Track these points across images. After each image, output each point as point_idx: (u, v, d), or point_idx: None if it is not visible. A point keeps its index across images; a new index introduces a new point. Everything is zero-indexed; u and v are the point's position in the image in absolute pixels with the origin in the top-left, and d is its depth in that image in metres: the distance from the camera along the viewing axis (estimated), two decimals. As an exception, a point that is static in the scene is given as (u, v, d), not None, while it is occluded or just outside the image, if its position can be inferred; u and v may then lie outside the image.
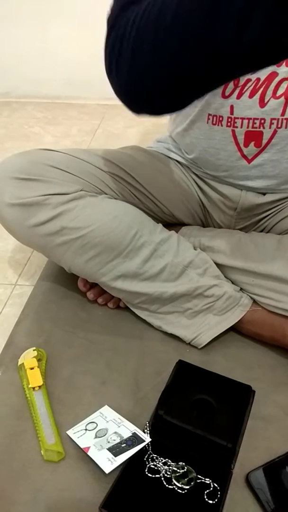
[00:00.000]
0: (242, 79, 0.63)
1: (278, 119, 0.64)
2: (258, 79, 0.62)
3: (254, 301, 0.70)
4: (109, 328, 0.75)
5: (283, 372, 0.67)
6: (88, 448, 0.55)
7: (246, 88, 0.63)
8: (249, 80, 0.62)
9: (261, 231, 0.79)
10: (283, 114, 0.63)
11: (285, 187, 0.73)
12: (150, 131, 1.50)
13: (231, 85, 0.63)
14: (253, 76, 0.62)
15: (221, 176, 0.75)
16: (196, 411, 0.58)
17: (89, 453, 0.55)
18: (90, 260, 0.68)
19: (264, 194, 0.75)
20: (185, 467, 0.53)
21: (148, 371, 0.67)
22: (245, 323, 0.70)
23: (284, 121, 0.64)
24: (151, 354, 0.70)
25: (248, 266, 0.69)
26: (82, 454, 0.56)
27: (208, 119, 0.68)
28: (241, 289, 0.72)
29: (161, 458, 0.54)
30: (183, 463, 0.54)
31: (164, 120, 0.80)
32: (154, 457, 0.55)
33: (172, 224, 0.83)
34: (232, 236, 0.75)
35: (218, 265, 0.73)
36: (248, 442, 0.57)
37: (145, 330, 0.74)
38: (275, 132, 0.65)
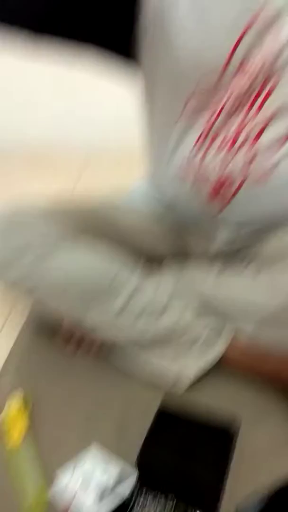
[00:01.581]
0: (211, 134, 0.66)
1: (245, 172, 0.67)
2: (226, 134, 0.65)
3: (236, 333, 0.70)
4: (91, 377, 0.74)
5: (265, 406, 0.67)
6: (70, 504, 0.54)
7: (215, 142, 0.66)
8: (217, 134, 0.66)
9: (242, 261, 0.80)
10: (249, 166, 0.66)
11: (254, 228, 0.76)
12: (134, 175, 1.54)
13: (201, 139, 0.67)
14: (221, 131, 0.65)
15: (195, 223, 0.78)
16: (178, 459, 0.57)
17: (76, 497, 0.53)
18: (70, 306, 0.69)
19: (237, 234, 0.77)
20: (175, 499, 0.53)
21: (132, 416, 0.66)
22: (228, 358, 0.70)
23: (250, 174, 0.67)
24: (135, 400, 0.69)
25: (229, 296, 0.70)
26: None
27: (180, 170, 0.72)
28: (222, 321, 0.71)
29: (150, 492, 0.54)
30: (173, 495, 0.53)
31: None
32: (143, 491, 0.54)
33: (155, 263, 0.85)
34: (211, 269, 0.77)
35: (199, 299, 0.73)
36: (236, 475, 0.56)
37: (127, 378, 0.73)
38: (241, 184, 0.68)
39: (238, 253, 0.80)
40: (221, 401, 0.67)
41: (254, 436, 0.62)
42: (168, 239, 0.84)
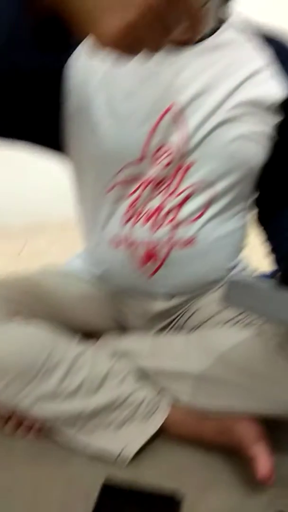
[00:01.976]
0: (137, 209, 0.72)
1: (170, 241, 0.72)
2: (150, 209, 0.71)
3: (175, 401, 0.71)
4: (31, 458, 0.71)
5: (211, 473, 0.66)
6: None
7: (140, 216, 0.72)
8: (142, 209, 0.72)
9: (175, 330, 0.84)
10: (173, 236, 0.72)
11: (186, 292, 0.80)
12: (74, 245, 1.58)
13: (128, 214, 0.73)
14: (145, 207, 0.71)
15: (129, 290, 0.80)
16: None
17: None
18: (6, 388, 0.66)
19: (171, 298, 0.81)
20: None
21: (76, 495, 0.64)
22: (169, 425, 0.70)
23: (175, 242, 0.72)
24: (79, 478, 0.67)
25: (161, 366, 0.72)
26: None
27: (111, 242, 0.76)
28: (161, 391, 0.73)
29: None
30: None
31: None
32: None
33: (91, 336, 0.85)
34: (146, 339, 0.78)
35: (136, 369, 0.74)
36: None
37: (70, 455, 0.70)
38: (168, 252, 0.73)
39: (171, 320, 0.83)
40: (166, 470, 0.67)
41: (200, 505, 0.62)
42: (104, 311, 0.86)
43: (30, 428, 0.75)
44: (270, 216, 0.81)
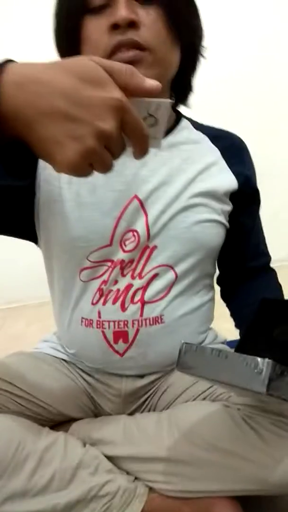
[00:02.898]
0: (106, 290, 0.75)
1: (138, 319, 0.75)
2: (118, 290, 0.75)
3: (150, 489, 0.69)
4: None
5: None
6: None
7: (109, 296, 0.75)
8: (111, 290, 0.75)
9: (149, 410, 0.83)
10: (141, 315, 0.75)
11: (157, 370, 0.81)
12: (51, 325, 1.58)
13: (97, 295, 0.76)
14: (114, 288, 0.75)
15: (101, 368, 0.81)
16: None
17: None
18: None
19: (142, 377, 0.81)
20: None
21: None
22: None
23: (144, 321, 0.75)
24: None
25: (134, 453, 0.70)
26: None
27: (82, 322, 0.78)
28: (136, 478, 0.71)
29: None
30: None
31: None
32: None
33: (63, 422, 0.83)
34: (118, 424, 0.77)
35: (109, 457, 0.72)
36: None
37: None
38: (137, 330, 0.75)
39: (144, 400, 0.83)
40: None
41: None
42: (76, 397, 0.84)
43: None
44: (231, 293, 0.86)
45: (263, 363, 0.44)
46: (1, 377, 0.79)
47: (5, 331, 1.59)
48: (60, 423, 0.83)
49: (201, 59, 0.78)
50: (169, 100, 0.45)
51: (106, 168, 0.44)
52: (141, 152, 0.46)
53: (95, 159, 0.42)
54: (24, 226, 0.79)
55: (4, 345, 1.47)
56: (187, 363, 0.51)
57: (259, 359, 0.45)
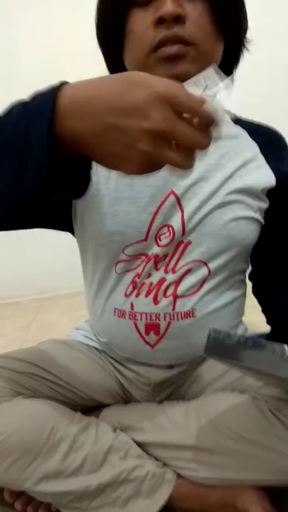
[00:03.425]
0: (139, 283, 0.77)
1: (170, 313, 0.76)
2: (151, 283, 0.76)
3: (178, 475, 0.71)
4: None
5: None
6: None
7: (142, 289, 0.77)
8: (144, 283, 0.76)
9: (177, 399, 0.85)
10: (173, 309, 0.76)
11: (187, 361, 0.82)
12: (82, 315, 1.62)
13: (130, 287, 0.77)
14: (147, 281, 0.76)
15: (132, 358, 0.83)
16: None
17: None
18: (10, 468, 0.67)
19: (172, 367, 0.83)
20: None
21: None
22: (174, 500, 0.69)
23: (175, 315, 0.76)
24: None
25: (163, 439, 0.72)
26: None
27: (114, 312, 0.80)
28: (164, 464, 0.73)
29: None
30: None
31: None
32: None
33: (94, 407, 0.86)
34: (147, 411, 0.79)
35: (138, 443, 0.75)
36: None
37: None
38: (169, 323, 0.77)
39: (172, 390, 0.85)
40: None
41: None
42: (107, 384, 0.87)
43: (39, 506, 0.74)
44: (265, 289, 0.85)
45: (290, 351, 0.45)
46: (36, 363, 0.82)
47: (38, 321, 1.64)
48: (91, 408, 0.86)
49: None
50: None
51: (179, 162, 0.41)
52: (203, 135, 0.41)
53: (157, 158, 0.41)
54: (62, 220, 0.81)
55: (37, 334, 1.52)
56: (214, 348, 0.52)
57: (286, 346, 0.45)
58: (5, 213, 0.53)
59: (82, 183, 0.50)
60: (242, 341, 0.50)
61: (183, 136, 0.40)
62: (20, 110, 0.44)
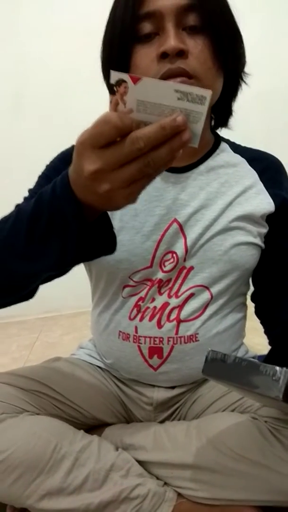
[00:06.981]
0: (143, 307, 0.79)
1: (174, 337, 0.78)
2: (155, 307, 0.79)
3: (179, 494, 0.72)
4: None
5: None
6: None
7: (146, 313, 0.79)
8: (148, 307, 0.79)
9: (178, 419, 0.86)
10: (176, 333, 0.78)
11: (188, 383, 0.84)
12: (85, 335, 1.64)
13: (134, 310, 0.80)
14: (151, 305, 0.79)
15: (135, 379, 0.85)
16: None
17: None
18: (14, 484, 0.68)
19: (173, 388, 0.85)
20: None
21: None
22: None
23: (178, 339, 0.78)
24: None
25: (164, 459, 0.73)
26: None
27: (119, 335, 0.82)
28: (165, 483, 0.74)
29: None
30: None
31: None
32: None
33: (97, 426, 0.87)
34: (148, 430, 0.81)
35: (140, 462, 0.76)
36: None
37: None
38: (172, 347, 0.79)
39: (174, 410, 0.86)
40: None
41: None
42: (110, 403, 0.88)
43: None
44: (267, 310, 0.87)
45: (281, 372, 0.47)
46: (40, 380, 0.84)
47: (42, 339, 1.65)
48: (93, 427, 0.87)
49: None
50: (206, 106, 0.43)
51: (128, 196, 0.47)
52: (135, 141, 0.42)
53: (115, 194, 0.46)
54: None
55: (40, 353, 1.53)
56: (212, 369, 0.54)
57: (277, 368, 0.48)
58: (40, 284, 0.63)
59: (111, 240, 0.57)
60: (238, 362, 0.52)
61: (117, 159, 0.43)
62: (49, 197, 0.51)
